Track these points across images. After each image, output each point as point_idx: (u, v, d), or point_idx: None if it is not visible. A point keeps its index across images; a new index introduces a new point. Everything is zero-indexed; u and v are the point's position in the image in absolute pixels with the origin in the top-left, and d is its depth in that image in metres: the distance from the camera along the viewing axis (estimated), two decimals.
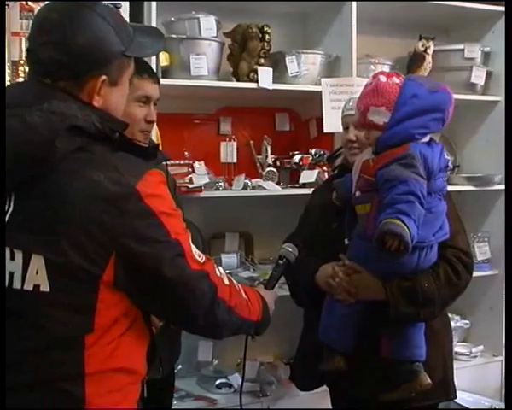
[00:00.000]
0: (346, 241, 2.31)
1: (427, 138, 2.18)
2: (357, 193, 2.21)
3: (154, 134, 2.99)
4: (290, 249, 2.20)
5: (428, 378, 2.18)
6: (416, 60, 3.59)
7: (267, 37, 3.28)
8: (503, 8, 3.78)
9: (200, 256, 1.61)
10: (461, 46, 3.76)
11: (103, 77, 1.57)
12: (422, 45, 3.62)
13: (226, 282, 1.68)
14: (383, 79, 2.15)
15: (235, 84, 3.28)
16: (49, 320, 1.50)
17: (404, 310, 2.18)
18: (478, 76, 3.73)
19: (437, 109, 2.13)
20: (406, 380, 2.19)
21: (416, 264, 2.16)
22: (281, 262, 2.20)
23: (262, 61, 3.28)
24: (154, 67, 2.96)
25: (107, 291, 1.51)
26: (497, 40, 3.84)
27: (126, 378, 1.60)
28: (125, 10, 3.01)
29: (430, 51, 3.62)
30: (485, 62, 3.87)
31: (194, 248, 1.60)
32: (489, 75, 3.84)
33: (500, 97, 3.82)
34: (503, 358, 3.84)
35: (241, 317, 1.72)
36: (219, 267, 1.70)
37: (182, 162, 3.28)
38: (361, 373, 2.29)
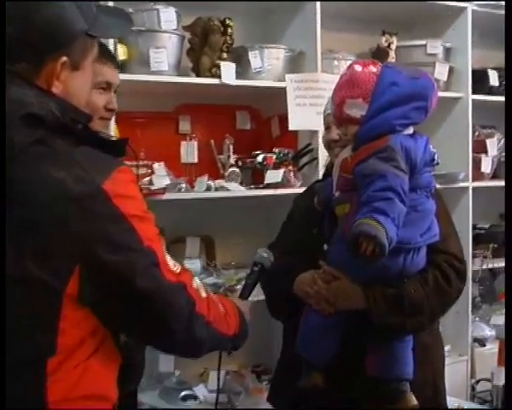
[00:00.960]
0: (325, 246, 2.12)
1: (410, 130, 2.00)
2: (337, 193, 2.05)
3: (113, 133, 2.78)
4: (265, 255, 2.01)
5: (415, 399, 2.01)
6: (379, 55, 3.48)
7: (229, 30, 3.11)
8: (464, 4, 3.74)
9: (175, 266, 1.45)
10: (423, 42, 3.68)
11: (64, 59, 1.38)
12: (386, 40, 3.53)
13: (203, 294, 1.52)
14: (358, 68, 1.99)
15: (196, 79, 3.10)
16: (6, 341, 1.30)
17: (388, 320, 1.99)
18: (441, 72, 3.65)
19: (418, 97, 1.96)
20: (391, 400, 2.01)
21: (402, 268, 1.97)
22: (255, 269, 2.01)
23: (224, 55, 3.11)
24: None
25: (70, 307, 1.32)
26: (459, 36, 3.79)
27: (96, 406, 1.40)
28: None
29: (393, 46, 3.54)
30: (447, 58, 3.79)
31: (168, 257, 1.44)
32: (451, 71, 3.76)
33: (463, 94, 3.76)
34: (468, 358, 3.81)
35: (219, 332, 1.57)
36: (195, 278, 1.54)
37: (140, 163, 3.07)
38: (341, 392, 2.07)
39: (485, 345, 3.86)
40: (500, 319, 4.06)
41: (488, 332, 3.97)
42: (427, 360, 2.16)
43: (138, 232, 1.34)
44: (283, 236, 2.43)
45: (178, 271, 1.44)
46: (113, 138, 1.59)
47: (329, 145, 2.30)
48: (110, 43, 2.78)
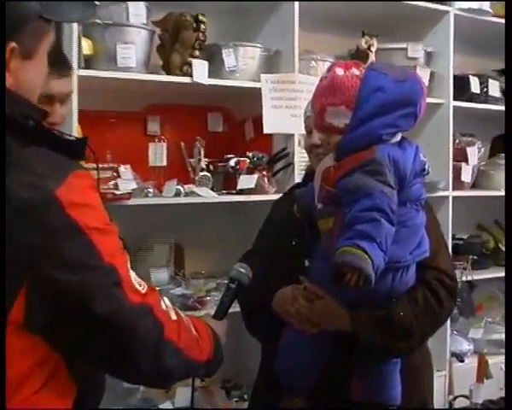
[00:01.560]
0: (307, 262, 1.96)
1: (397, 138, 1.84)
2: (320, 205, 1.87)
3: (76, 134, 2.58)
4: (243, 270, 1.80)
5: None
6: (358, 58, 3.28)
7: (202, 26, 2.92)
8: (446, 8, 3.59)
9: (141, 285, 1.29)
10: (404, 45, 3.53)
11: (12, 45, 1.20)
12: (366, 42, 3.35)
13: (173, 317, 1.35)
14: (340, 71, 1.80)
15: (167, 78, 2.90)
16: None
17: (375, 343, 1.85)
18: (422, 77, 3.46)
19: (406, 103, 1.78)
20: None
21: (390, 288, 1.82)
22: (232, 286, 1.80)
23: (196, 53, 2.92)
24: (74, 57, 2.57)
25: (15, 335, 1.15)
26: (440, 40, 3.65)
27: None
28: None
29: (373, 49, 3.36)
30: (428, 63, 3.64)
31: (133, 275, 1.28)
32: (432, 76, 3.61)
33: (444, 100, 3.61)
34: (446, 373, 3.64)
35: (191, 359, 1.40)
36: (164, 298, 1.38)
37: (105, 165, 2.86)
38: None
39: (463, 360, 3.70)
40: (478, 333, 3.93)
41: (467, 346, 3.81)
42: (416, 382, 2.03)
43: (98, 247, 1.20)
44: (261, 242, 2.25)
45: (144, 290, 1.28)
46: (71, 138, 1.39)
47: (310, 150, 2.12)
48: (74, 36, 2.59)
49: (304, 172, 2.46)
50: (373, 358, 1.88)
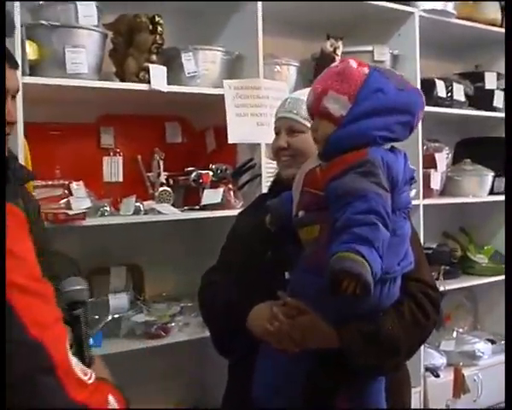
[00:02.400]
0: (287, 275, 1.80)
1: (388, 146, 1.72)
2: (301, 213, 1.72)
3: (22, 149, 2.27)
4: (79, 287, 1.45)
5: None
6: (324, 61, 3.05)
7: (159, 29, 2.64)
8: (409, 9, 3.41)
9: (86, 374, 0.99)
10: (370, 48, 3.31)
11: None
12: (331, 45, 3.13)
13: None
14: (353, 63, 1.70)
15: (122, 85, 2.61)
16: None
17: (364, 361, 1.69)
18: None
19: (405, 111, 1.68)
20: None
21: (378, 301, 1.67)
22: (77, 313, 1.42)
23: (154, 57, 2.65)
24: (19, 61, 2.25)
25: None
26: (404, 43, 3.46)
27: None
28: None
29: (339, 52, 3.14)
30: (394, 66, 3.43)
31: (74, 361, 0.97)
32: None
33: None
34: (421, 388, 3.44)
35: None
36: (111, 397, 1.05)
37: (55, 183, 2.56)
38: None
39: (438, 375, 3.49)
40: (450, 345, 3.75)
41: (439, 360, 3.61)
42: (398, 398, 1.91)
43: (17, 312, 0.89)
44: (227, 258, 2.05)
45: (91, 381, 0.98)
46: None
47: (277, 153, 1.98)
48: (17, 39, 2.28)
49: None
50: (360, 376, 1.73)
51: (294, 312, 1.71)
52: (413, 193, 3.31)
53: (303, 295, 1.71)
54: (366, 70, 1.68)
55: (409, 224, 1.76)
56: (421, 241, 3.33)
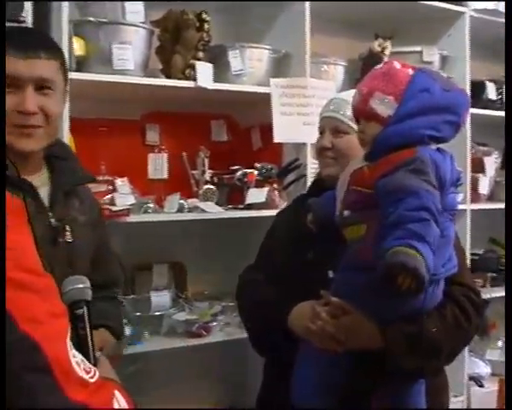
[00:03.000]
0: (331, 273, 1.78)
1: (435, 147, 1.69)
2: (346, 212, 1.70)
3: (68, 143, 2.24)
4: (81, 285, 1.37)
5: None
6: (372, 61, 2.98)
7: (206, 26, 2.60)
8: (460, 8, 3.30)
9: (89, 372, 0.92)
10: (418, 48, 3.23)
11: None
12: (379, 45, 3.06)
13: None
14: (397, 65, 1.71)
15: (169, 81, 2.57)
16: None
17: (406, 363, 1.66)
18: None
19: (451, 111, 1.67)
20: None
21: (422, 303, 1.65)
22: (80, 312, 1.35)
23: (200, 54, 2.61)
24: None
25: None
26: (454, 43, 3.36)
27: None
28: None
29: (387, 52, 3.07)
30: (443, 67, 3.33)
31: (78, 358, 0.91)
32: None
33: None
34: (464, 398, 3.32)
35: None
36: (118, 395, 0.98)
37: (99, 178, 2.53)
38: None
39: (483, 385, 3.37)
40: (495, 354, 3.62)
41: (484, 369, 3.49)
42: (436, 405, 1.85)
43: (8, 306, 0.84)
44: (266, 258, 2.04)
45: (94, 379, 0.92)
46: None
47: (320, 153, 1.96)
48: (64, 35, 2.26)
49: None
50: (400, 378, 1.70)
51: (338, 311, 1.68)
52: (460, 197, 3.21)
53: (347, 294, 1.69)
54: (411, 71, 1.68)
55: (454, 226, 1.73)
56: (468, 246, 3.27)
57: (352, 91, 1.80)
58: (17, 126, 1.60)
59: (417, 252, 1.47)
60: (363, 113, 1.71)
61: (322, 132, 1.97)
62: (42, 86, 1.61)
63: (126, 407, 0.97)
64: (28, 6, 2.27)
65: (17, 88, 1.58)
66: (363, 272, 1.63)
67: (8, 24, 2.18)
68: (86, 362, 0.94)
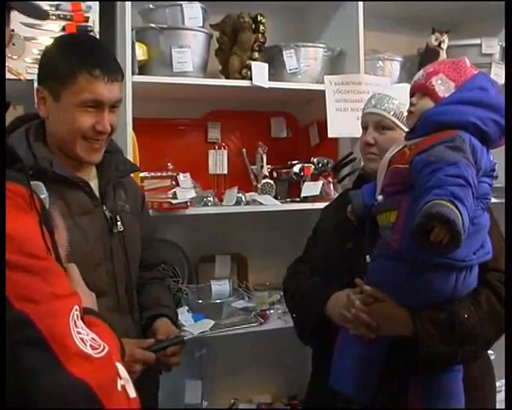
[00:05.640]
0: (368, 258, 1.75)
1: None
2: (380, 198, 1.70)
3: (130, 142, 2.31)
4: None
5: None
6: (429, 56, 2.91)
7: (261, 27, 2.61)
8: None
9: (96, 347, 0.89)
10: (477, 41, 3.10)
11: None
12: (436, 39, 2.96)
13: (132, 394, 0.93)
14: (468, 62, 1.74)
15: (225, 81, 2.60)
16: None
17: (437, 349, 1.62)
18: (497, 74, 3.07)
19: (501, 112, 1.66)
20: None
21: (453, 290, 1.62)
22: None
23: (256, 55, 2.61)
24: (128, 63, 2.30)
25: None
26: None
27: None
28: None
29: (444, 46, 2.97)
30: (504, 59, 3.20)
31: (80, 333, 0.88)
32: None
33: None
34: None
35: None
36: (121, 368, 0.94)
37: (164, 174, 2.59)
38: None
39: None
40: None
41: None
42: (477, 394, 1.78)
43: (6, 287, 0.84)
44: (311, 250, 2.05)
45: (100, 355, 0.88)
46: None
47: (363, 148, 1.92)
48: (127, 42, 2.32)
49: None
50: (434, 364, 1.65)
51: (371, 299, 1.67)
52: None
53: (380, 281, 1.68)
54: (476, 71, 1.72)
55: (487, 216, 1.70)
56: None
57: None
58: (87, 140, 1.67)
59: (457, 208, 1.43)
60: (421, 87, 1.70)
61: (365, 128, 1.93)
62: (114, 106, 1.69)
63: (128, 378, 0.94)
64: (95, 16, 2.35)
65: (97, 108, 1.65)
66: (395, 260, 1.62)
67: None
68: (98, 340, 0.91)
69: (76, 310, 0.90)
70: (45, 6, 2.20)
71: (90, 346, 0.88)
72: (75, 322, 0.88)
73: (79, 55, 1.64)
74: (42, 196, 1.25)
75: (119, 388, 0.90)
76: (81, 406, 0.84)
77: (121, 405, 0.90)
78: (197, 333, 2.38)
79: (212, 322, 2.45)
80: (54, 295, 0.88)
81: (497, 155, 2.87)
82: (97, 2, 2.34)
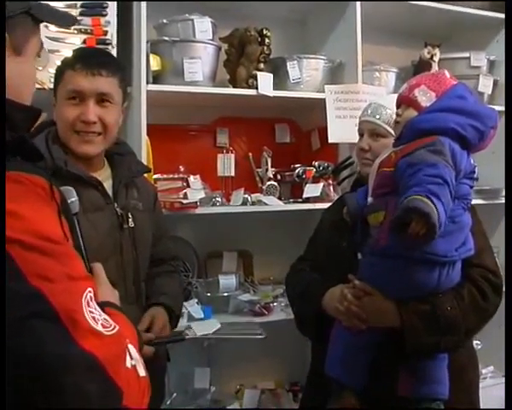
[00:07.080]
0: (359, 255, 1.84)
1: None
2: (370, 199, 1.78)
3: (145, 147, 2.39)
4: None
5: None
6: (422, 68, 3.01)
7: (267, 40, 2.70)
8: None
9: (107, 326, 0.91)
10: (466, 54, 3.20)
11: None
12: (428, 52, 3.06)
13: (142, 373, 0.96)
14: (447, 74, 1.82)
15: (232, 90, 2.69)
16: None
17: (422, 339, 1.68)
18: (485, 85, 3.16)
19: (478, 118, 1.72)
20: None
21: (437, 284, 1.67)
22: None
23: (261, 66, 2.71)
24: (143, 72, 2.40)
25: None
26: (502, 48, 3.27)
27: None
28: (112, 11, 2.45)
29: (436, 59, 3.07)
30: (491, 71, 3.30)
31: (93, 312, 0.91)
32: (495, 84, 3.27)
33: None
34: None
35: None
36: (132, 349, 0.96)
37: (175, 176, 2.67)
38: None
39: None
40: None
41: None
42: (461, 380, 1.85)
43: (18, 265, 0.86)
44: (311, 249, 2.14)
45: (110, 333, 0.90)
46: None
47: (359, 154, 2.00)
48: (142, 54, 2.41)
49: None
50: (420, 352, 1.71)
51: (361, 293, 1.74)
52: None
53: (370, 276, 1.75)
54: (455, 82, 1.79)
55: (468, 215, 1.74)
56: None
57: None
58: (78, 133, 1.75)
59: (432, 203, 1.51)
60: (405, 99, 1.78)
61: (361, 135, 2.01)
62: (102, 99, 1.77)
63: (138, 358, 0.96)
64: (114, 30, 2.45)
65: (81, 100, 1.74)
66: (382, 256, 1.69)
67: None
68: (110, 321, 0.93)
69: (89, 292, 0.92)
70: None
71: (102, 325, 0.91)
72: (88, 302, 0.91)
73: (70, 58, 1.79)
74: (72, 200, 1.33)
75: (128, 365, 0.92)
76: (89, 376, 0.86)
77: (129, 380, 0.91)
78: (200, 334, 2.45)
79: (218, 325, 2.50)
80: (68, 276, 0.90)
81: (493, 161, 2.97)
82: (115, 17, 2.44)
